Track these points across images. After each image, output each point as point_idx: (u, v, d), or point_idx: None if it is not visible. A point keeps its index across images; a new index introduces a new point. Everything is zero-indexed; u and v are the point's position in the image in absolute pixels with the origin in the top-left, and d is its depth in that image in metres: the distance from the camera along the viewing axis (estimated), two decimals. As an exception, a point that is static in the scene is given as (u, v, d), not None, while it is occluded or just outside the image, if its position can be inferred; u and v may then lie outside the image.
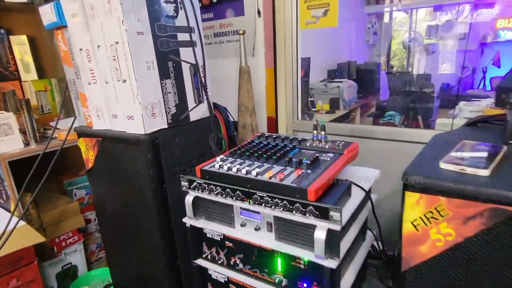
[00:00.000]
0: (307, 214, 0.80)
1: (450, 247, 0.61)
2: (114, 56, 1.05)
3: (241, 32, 1.68)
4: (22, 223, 1.46)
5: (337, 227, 0.78)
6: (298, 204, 0.82)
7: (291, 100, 1.94)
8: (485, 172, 0.60)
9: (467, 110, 1.71)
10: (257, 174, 0.89)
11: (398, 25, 6.06)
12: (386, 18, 5.62)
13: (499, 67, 4.81)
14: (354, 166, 1.12)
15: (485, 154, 0.68)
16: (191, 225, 1.06)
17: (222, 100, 1.50)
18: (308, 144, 1.08)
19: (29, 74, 2.09)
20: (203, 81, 1.27)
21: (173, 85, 1.16)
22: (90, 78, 1.17)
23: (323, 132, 1.09)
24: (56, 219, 1.85)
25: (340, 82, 3.85)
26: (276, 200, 0.85)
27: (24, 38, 2.00)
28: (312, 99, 3.73)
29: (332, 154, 0.99)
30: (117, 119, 1.16)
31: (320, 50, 4.12)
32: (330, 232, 0.79)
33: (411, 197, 0.64)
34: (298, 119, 2.00)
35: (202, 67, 1.27)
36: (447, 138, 0.84)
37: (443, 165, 0.64)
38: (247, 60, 1.75)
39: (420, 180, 0.62)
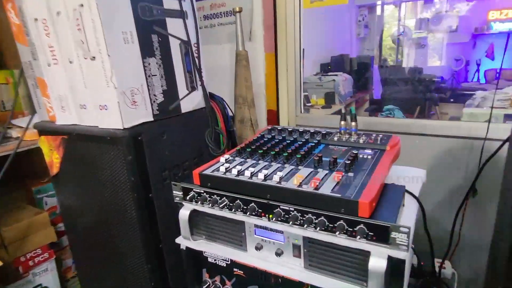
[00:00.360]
0: (358, 236, 0.57)
1: None
2: (78, 25, 0.79)
3: (237, 9, 1.42)
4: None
5: (402, 254, 0.55)
6: (342, 222, 0.58)
7: (293, 91, 1.70)
8: None
9: (493, 99, 1.52)
10: (281, 179, 0.64)
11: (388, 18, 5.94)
12: (377, 11, 5.46)
13: (493, 59, 4.71)
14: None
15: None
16: (187, 248, 0.81)
17: (214, 92, 1.26)
18: (335, 138, 0.84)
19: (-16, 65, 1.79)
20: (197, 63, 1.02)
21: (160, 65, 0.90)
22: (49, 57, 0.90)
23: (353, 123, 0.85)
24: (21, 234, 1.56)
25: (336, 75, 3.65)
26: (309, 215, 0.61)
27: (-23, 20, 1.69)
28: (306, 93, 3.50)
29: (371, 151, 0.76)
30: (86, 110, 0.89)
31: (311, 42, 3.91)
32: (392, 261, 0.55)
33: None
34: (301, 112, 1.77)
35: (196, 45, 1.01)
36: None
37: None
38: (245, 45, 1.50)
39: None
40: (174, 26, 0.93)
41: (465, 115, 1.45)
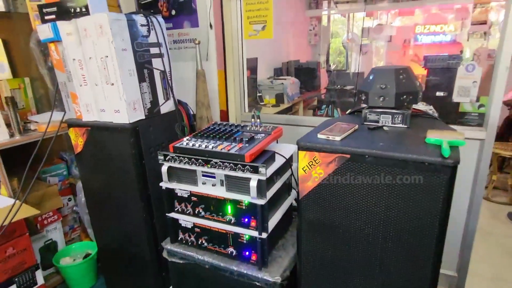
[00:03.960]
0: (245, 171, 1.26)
1: (322, 180, 1.11)
2: (104, 67, 1.43)
3: (196, 42, 2.09)
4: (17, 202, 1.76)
5: (263, 178, 1.25)
6: (239, 165, 1.27)
7: (239, 96, 2.39)
8: (338, 138, 1.11)
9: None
10: (212, 147, 1.33)
11: (335, 27, 6.76)
12: (325, 22, 6.26)
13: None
14: (283, 144, 1.61)
15: (344, 129, 1.19)
16: (166, 188, 1.47)
17: (183, 96, 1.92)
18: (248, 128, 1.54)
19: (3, 74, 2.33)
20: (170, 83, 1.68)
21: (148, 86, 1.56)
22: (81, 81, 1.53)
23: (258, 120, 1.56)
24: (38, 200, 2.15)
25: (284, 79, 4.39)
26: (225, 163, 1.30)
27: (-1, 41, 2.24)
28: (261, 94, 4.23)
29: (264, 134, 1.46)
30: (105, 112, 1.54)
31: (268, 50, 4.63)
32: (259, 181, 1.26)
33: (301, 154, 1.13)
34: (245, 111, 2.46)
35: (169, 72, 1.68)
36: (332, 121, 1.34)
37: (319, 136, 1.14)
38: (202, 64, 2.17)
39: (305, 144, 1.10)
40: (156, 62, 1.59)
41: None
